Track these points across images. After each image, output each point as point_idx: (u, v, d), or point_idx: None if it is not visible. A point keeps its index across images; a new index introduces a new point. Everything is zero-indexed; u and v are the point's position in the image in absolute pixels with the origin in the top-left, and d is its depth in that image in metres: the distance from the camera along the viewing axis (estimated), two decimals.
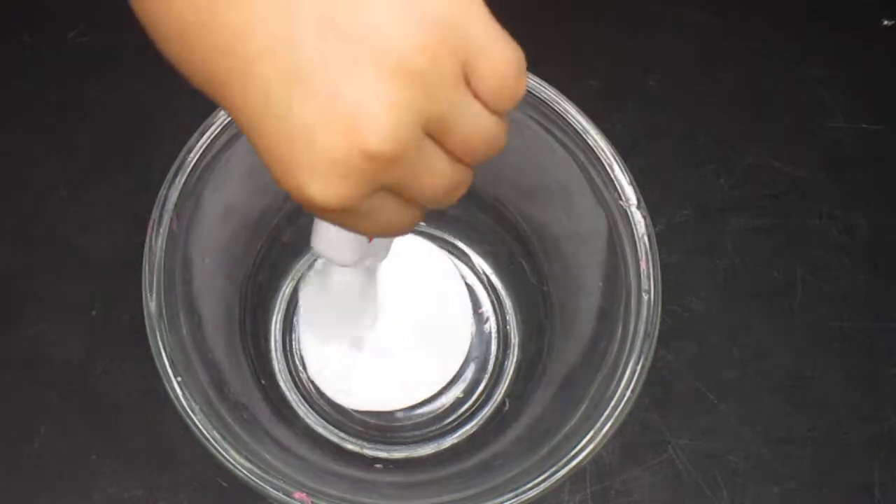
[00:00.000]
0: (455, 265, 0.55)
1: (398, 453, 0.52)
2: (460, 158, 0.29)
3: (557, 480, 0.41)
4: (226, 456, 0.40)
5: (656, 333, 0.42)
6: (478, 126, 0.28)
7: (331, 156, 0.26)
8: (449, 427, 0.53)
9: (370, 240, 0.38)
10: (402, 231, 0.31)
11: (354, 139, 0.26)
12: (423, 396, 0.53)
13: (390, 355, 0.53)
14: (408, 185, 0.28)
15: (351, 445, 0.52)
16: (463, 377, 0.54)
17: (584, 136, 0.44)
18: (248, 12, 0.26)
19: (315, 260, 0.54)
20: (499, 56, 0.28)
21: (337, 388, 0.53)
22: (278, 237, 0.52)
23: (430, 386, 0.54)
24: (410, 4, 0.26)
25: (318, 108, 0.26)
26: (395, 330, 0.53)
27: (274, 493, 0.40)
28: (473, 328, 0.55)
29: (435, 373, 0.54)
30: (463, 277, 0.55)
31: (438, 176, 0.29)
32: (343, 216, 0.29)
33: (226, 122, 0.43)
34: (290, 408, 0.52)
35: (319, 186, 0.27)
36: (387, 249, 0.41)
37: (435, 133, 0.28)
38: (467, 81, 0.28)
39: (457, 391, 0.54)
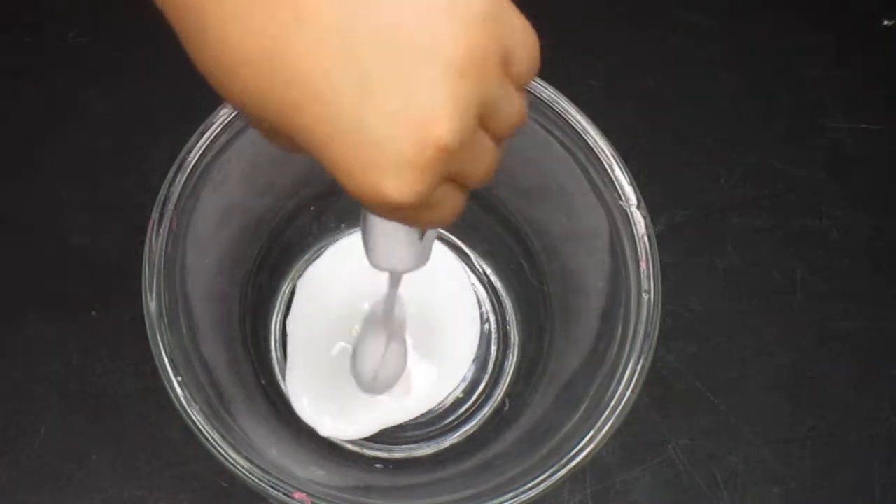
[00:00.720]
0: (464, 268, 0.55)
1: (398, 453, 0.52)
2: (497, 138, 0.32)
3: (557, 480, 0.41)
4: (226, 456, 0.40)
5: (656, 333, 0.42)
6: (514, 107, 0.31)
7: (405, 155, 0.29)
8: (449, 427, 0.53)
9: (422, 237, 0.38)
10: (455, 218, 0.33)
11: (426, 136, 0.28)
12: (429, 406, 0.53)
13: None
14: (467, 170, 0.31)
15: (351, 445, 0.52)
16: (463, 377, 0.54)
17: (584, 136, 0.44)
18: (307, 39, 0.28)
19: (311, 267, 0.54)
20: (531, 41, 0.30)
21: (341, 428, 0.52)
22: (278, 237, 0.52)
23: (436, 394, 0.53)
24: (456, 5, 0.28)
25: (390, 115, 0.28)
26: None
27: (274, 493, 0.40)
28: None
29: (442, 379, 0.53)
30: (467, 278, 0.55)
31: (489, 157, 0.31)
32: (416, 211, 0.31)
33: (226, 121, 0.43)
34: (290, 407, 0.52)
35: (397, 185, 0.29)
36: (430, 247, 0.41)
37: (483, 118, 0.30)
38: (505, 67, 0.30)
39: (457, 391, 0.54)
